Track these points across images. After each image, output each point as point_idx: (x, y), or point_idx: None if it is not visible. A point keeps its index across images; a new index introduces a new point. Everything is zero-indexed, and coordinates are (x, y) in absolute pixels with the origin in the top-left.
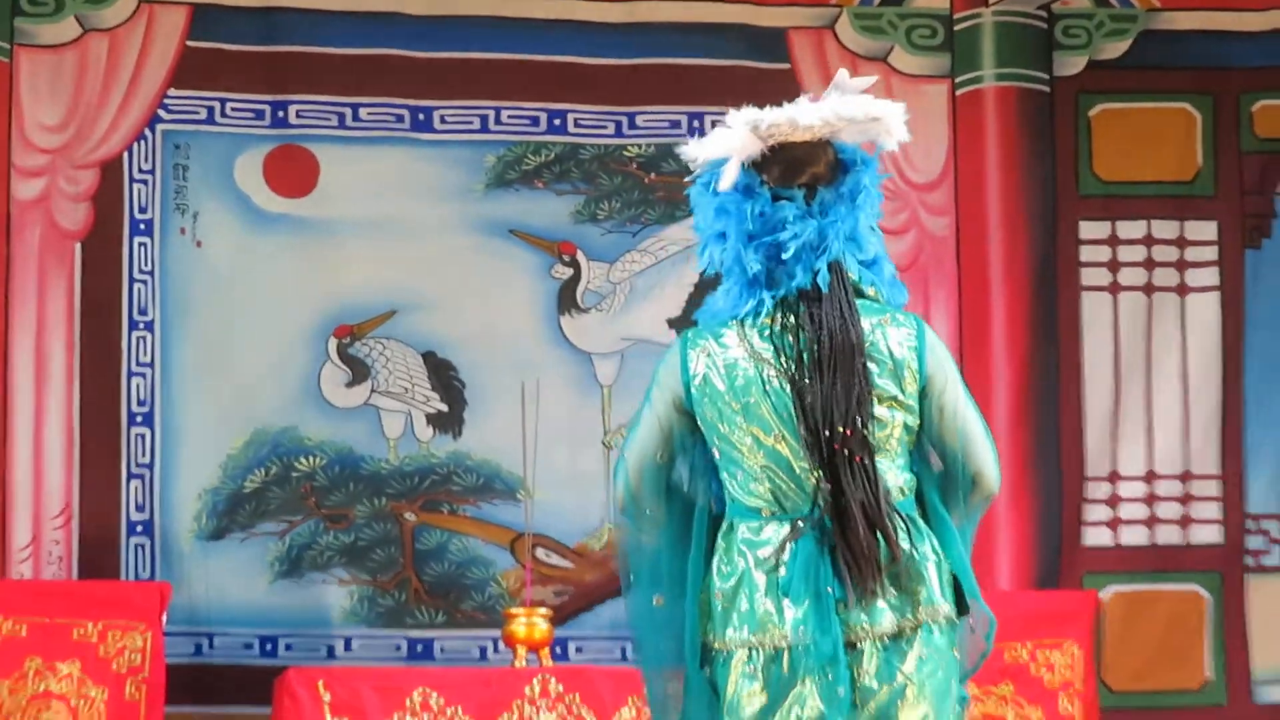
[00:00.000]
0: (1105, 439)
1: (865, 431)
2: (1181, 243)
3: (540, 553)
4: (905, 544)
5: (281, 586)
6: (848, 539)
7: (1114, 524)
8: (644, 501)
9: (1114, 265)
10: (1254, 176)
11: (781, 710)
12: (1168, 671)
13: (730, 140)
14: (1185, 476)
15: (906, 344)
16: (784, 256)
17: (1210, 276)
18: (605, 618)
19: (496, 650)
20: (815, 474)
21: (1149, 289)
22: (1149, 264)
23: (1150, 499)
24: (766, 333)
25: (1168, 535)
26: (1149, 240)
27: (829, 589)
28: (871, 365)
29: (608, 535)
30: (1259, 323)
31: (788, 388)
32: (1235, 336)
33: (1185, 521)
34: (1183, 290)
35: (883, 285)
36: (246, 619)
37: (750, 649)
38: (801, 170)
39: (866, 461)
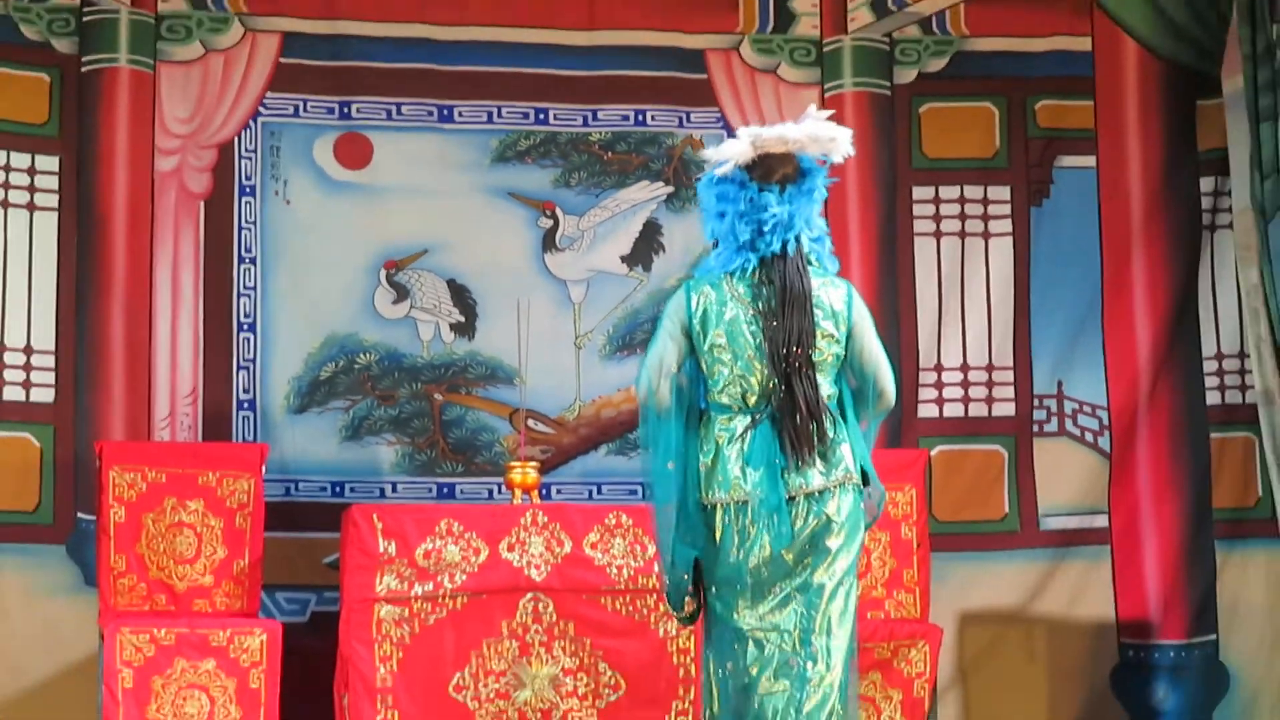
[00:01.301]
0: (932, 341)
1: (810, 352)
2: (985, 202)
3: (530, 422)
4: (830, 430)
5: (347, 446)
6: (795, 424)
7: (939, 401)
8: (661, 395)
9: (937, 218)
10: (1036, 154)
11: (747, 544)
12: (977, 508)
13: (735, 147)
14: (989, 367)
15: (840, 300)
16: (764, 230)
17: (1006, 226)
18: (578, 469)
19: (500, 492)
20: (772, 382)
21: (962, 235)
22: (962, 217)
23: (964, 383)
24: (747, 284)
25: (977, 409)
26: (962, 200)
27: (776, 460)
28: (818, 311)
29: (579, 410)
30: (1040, 258)
31: (760, 322)
32: (1023, 268)
33: (989, 400)
34: (986, 236)
35: (824, 256)
36: (322, 470)
37: (727, 504)
38: (778, 171)
39: (810, 373)
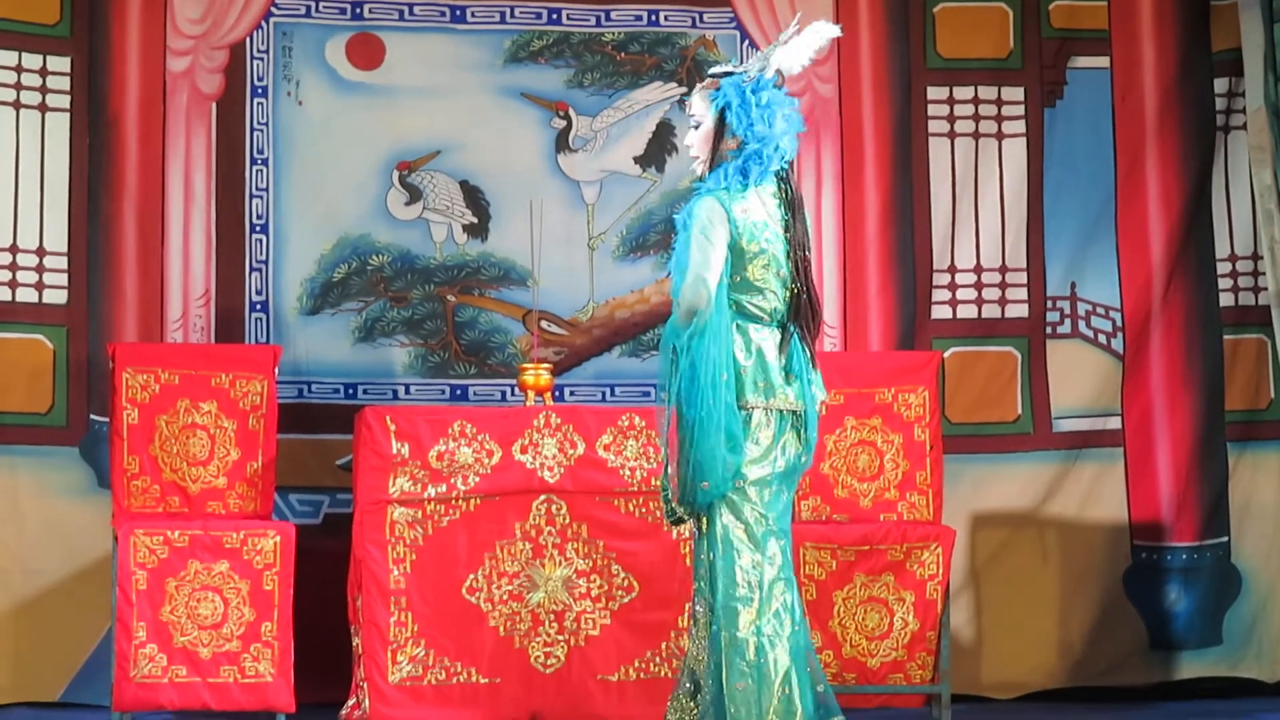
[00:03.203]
0: (946, 242)
1: (810, 256)
2: (999, 102)
3: (543, 324)
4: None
5: (360, 348)
6: (813, 317)
7: (952, 303)
8: (709, 306)
9: (951, 118)
10: (1050, 55)
11: (777, 446)
12: (991, 409)
13: (809, 42)
14: (1002, 269)
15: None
16: (788, 128)
17: (1019, 127)
18: (590, 371)
19: (513, 394)
20: (794, 285)
21: (976, 135)
22: (976, 118)
23: (978, 285)
24: (772, 194)
25: (990, 311)
26: (976, 100)
27: (808, 376)
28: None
29: (592, 311)
30: (1053, 160)
31: (783, 232)
32: (1036, 170)
33: (1002, 301)
34: (1000, 136)
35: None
36: (335, 371)
37: (765, 409)
38: (783, 77)
39: (812, 275)
